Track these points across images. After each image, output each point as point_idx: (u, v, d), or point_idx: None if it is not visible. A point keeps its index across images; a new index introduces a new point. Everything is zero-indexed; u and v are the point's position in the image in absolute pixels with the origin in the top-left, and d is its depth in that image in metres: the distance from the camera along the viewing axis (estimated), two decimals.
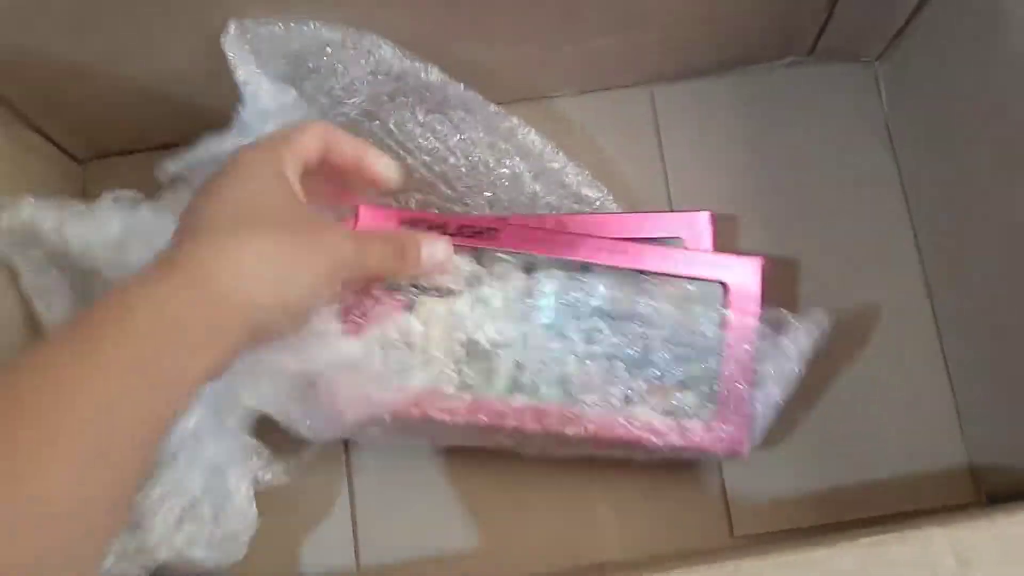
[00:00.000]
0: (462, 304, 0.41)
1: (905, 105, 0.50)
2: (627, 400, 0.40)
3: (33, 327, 0.44)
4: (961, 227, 0.46)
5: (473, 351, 0.41)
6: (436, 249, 0.40)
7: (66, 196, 0.49)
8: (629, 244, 0.42)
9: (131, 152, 0.52)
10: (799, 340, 0.41)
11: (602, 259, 0.41)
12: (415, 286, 0.41)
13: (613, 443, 0.41)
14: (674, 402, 0.40)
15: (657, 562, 0.44)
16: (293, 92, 0.42)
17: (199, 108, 0.48)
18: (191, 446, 0.39)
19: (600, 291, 0.41)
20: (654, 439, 0.40)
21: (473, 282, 0.41)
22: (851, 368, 0.48)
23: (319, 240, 0.36)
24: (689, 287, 0.42)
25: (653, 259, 0.42)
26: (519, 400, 0.40)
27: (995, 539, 0.29)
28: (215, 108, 0.47)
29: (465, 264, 0.41)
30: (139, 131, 0.50)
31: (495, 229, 0.41)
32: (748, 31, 0.49)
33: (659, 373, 0.41)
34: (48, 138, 0.49)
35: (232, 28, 0.41)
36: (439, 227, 0.41)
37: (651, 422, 0.40)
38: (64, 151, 0.50)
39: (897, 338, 0.49)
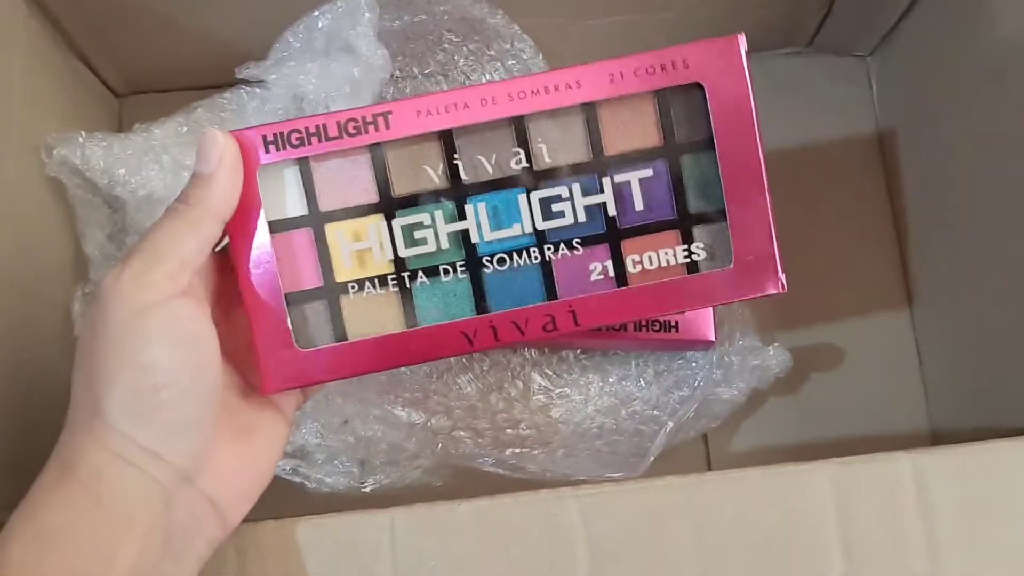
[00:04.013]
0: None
1: (894, 99, 0.54)
2: (619, 279, 0.33)
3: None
4: (939, 217, 0.50)
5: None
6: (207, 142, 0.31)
7: (103, 127, 0.53)
8: (560, 74, 0.33)
9: (166, 91, 0.55)
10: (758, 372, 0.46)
11: (531, 106, 0.32)
12: None
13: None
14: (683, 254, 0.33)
15: None
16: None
17: (238, 54, 0.51)
18: None
19: (542, 148, 0.33)
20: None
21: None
22: (827, 340, 0.52)
23: None
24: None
25: (597, 83, 0.33)
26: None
27: (951, 464, 0.33)
28: (255, 57, 0.50)
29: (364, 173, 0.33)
30: (177, 71, 0.53)
31: (387, 113, 0.32)
32: (755, 19, 0.53)
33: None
34: (93, 69, 0.51)
35: None
36: (313, 133, 0.32)
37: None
38: (105, 84, 0.53)
39: (873, 315, 0.53)
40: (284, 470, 0.43)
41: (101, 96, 0.53)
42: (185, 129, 0.47)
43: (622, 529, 0.33)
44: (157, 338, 0.29)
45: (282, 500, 0.36)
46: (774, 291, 0.33)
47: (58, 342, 0.45)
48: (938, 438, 0.50)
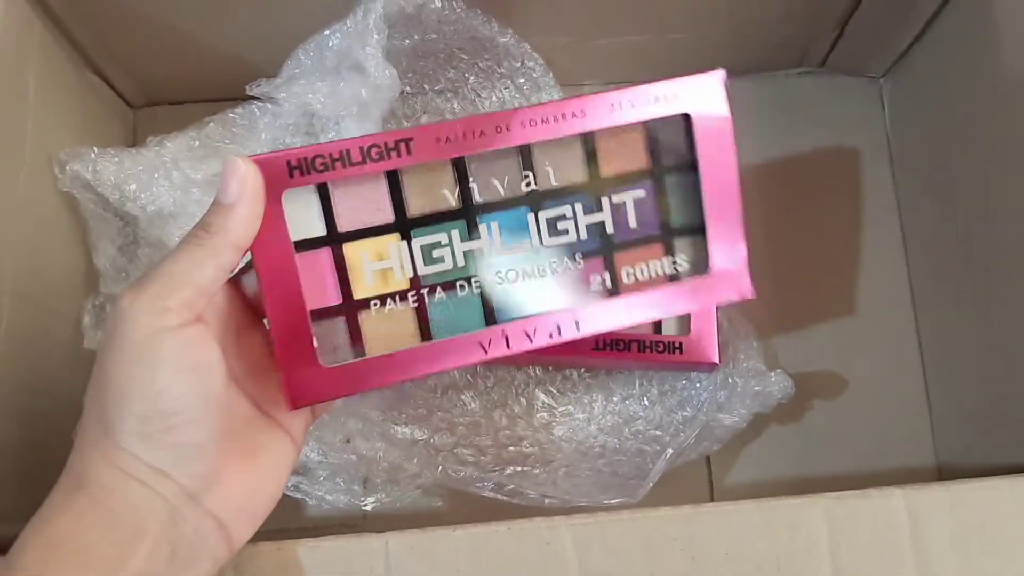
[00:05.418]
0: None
1: (906, 121, 0.54)
2: (610, 291, 0.36)
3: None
4: (949, 242, 0.50)
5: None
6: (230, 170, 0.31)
7: (117, 139, 0.53)
8: (566, 104, 0.35)
9: (180, 103, 0.55)
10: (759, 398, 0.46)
11: (539, 134, 0.34)
12: None
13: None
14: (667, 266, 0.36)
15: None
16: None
17: (252, 67, 0.51)
18: None
19: (548, 171, 0.35)
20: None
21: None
22: (835, 370, 0.52)
23: None
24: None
25: (599, 113, 0.35)
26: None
27: (946, 500, 0.33)
28: (267, 71, 0.50)
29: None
30: (191, 83, 0.54)
31: (409, 139, 0.34)
32: (768, 39, 0.53)
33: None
34: (108, 82, 0.52)
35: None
36: (337, 158, 0.33)
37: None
38: (120, 95, 0.54)
39: (880, 345, 0.53)
40: (286, 487, 0.43)
41: (115, 108, 0.54)
42: (197, 143, 0.48)
43: (615, 559, 0.33)
44: (169, 365, 0.29)
45: (284, 515, 0.37)
46: (745, 296, 0.36)
47: (68, 354, 0.45)
48: (944, 471, 0.50)
